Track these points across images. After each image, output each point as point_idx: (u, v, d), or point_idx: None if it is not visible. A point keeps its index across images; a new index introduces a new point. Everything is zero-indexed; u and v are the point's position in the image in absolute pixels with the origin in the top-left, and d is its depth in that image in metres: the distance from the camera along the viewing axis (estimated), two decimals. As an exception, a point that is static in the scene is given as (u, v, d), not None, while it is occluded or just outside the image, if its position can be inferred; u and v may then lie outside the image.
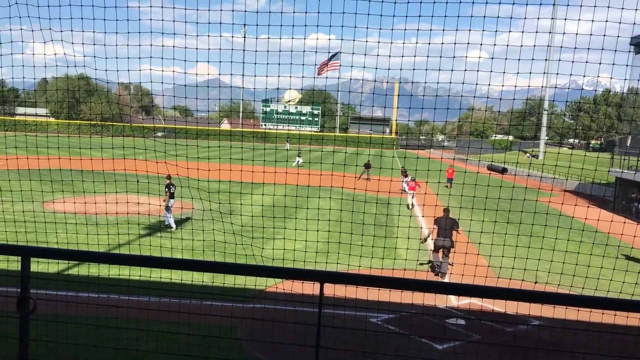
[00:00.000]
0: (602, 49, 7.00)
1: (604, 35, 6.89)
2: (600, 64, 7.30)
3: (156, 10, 7.01)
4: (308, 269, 4.80)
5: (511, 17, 7.48)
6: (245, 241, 12.18)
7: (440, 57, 7.39)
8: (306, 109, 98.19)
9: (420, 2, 7.04)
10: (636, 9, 6.32)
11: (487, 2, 7.03)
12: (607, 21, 6.58)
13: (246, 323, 8.39)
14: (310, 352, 3.12)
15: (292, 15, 7.44)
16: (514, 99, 9.15)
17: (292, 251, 10.84)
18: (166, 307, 6.36)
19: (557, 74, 8.19)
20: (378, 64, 8.11)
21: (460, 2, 6.91)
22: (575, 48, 7.13)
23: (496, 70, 7.25)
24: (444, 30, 7.57)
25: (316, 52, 8.45)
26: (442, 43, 6.97)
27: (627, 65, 8.32)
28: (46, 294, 4.51)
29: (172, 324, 7.27)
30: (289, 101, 73.94)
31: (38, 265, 9.96)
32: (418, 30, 6.98)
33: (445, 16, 7.15)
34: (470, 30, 7.10)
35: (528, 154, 68.08)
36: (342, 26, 7.21)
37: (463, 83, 7.71)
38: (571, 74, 7.87)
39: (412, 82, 10.89)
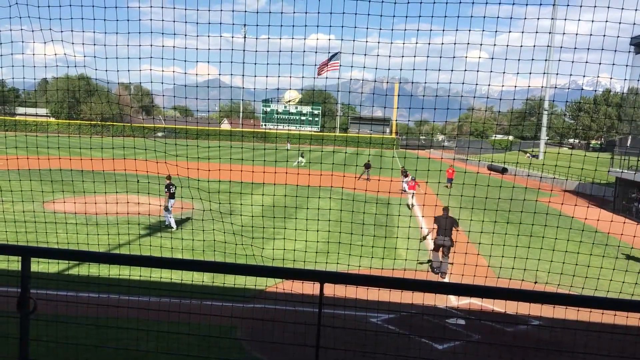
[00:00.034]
0: (602, 49, 7.00)
1: (604, 36, 6.89)
2: (600, 64, 7.30)
3: (156, 10, 7.02)
4: (308, 269, 4.80)
5: (511, 18, 7.48)
6: (245, 241, 12.19)
7: (440, 57, 7.40)
8: (306, 109, 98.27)
9: (420, 3, 7.05)
10: (636, 9, 6.32)
11: (487, 3, 7.03)
12: (607, 21, 6.57)
13: (246, 323, 8.39)
14: (310, 352, 3.12)
15: (292, 15, 7.45)
16: (514, 99, 9.14)
17: (292, 251, 10.84)
18: (166, 307, 6.36)
19: (557, 74, 8.21)
20: (378, 64, 8.11)
21: (460, 3, 6.90)
22: (575, 48, 7.13)
23: (496, 71, 7.26)
24: (444, 30, 7.57)
25: (316, 52, 8.46)
26: (442, 43, 6.97)
27: (627, 66, 8.32)
28: (46, 294, 4.51)
29: (172, 324, 7.27)
30: (289, 101, 73.89)
31: (38, 265, 9.97)
32: (418, 30, 6.98)
33: (445, 16, 7.15)
34: (470, 30, 7.11)
35: (528, 154, 68.13)
36: (342, 26, 7.21)
37: (463, 83, 7.72)
38: (571, 74, 7.88)
39: (412, 82, 10.91)
